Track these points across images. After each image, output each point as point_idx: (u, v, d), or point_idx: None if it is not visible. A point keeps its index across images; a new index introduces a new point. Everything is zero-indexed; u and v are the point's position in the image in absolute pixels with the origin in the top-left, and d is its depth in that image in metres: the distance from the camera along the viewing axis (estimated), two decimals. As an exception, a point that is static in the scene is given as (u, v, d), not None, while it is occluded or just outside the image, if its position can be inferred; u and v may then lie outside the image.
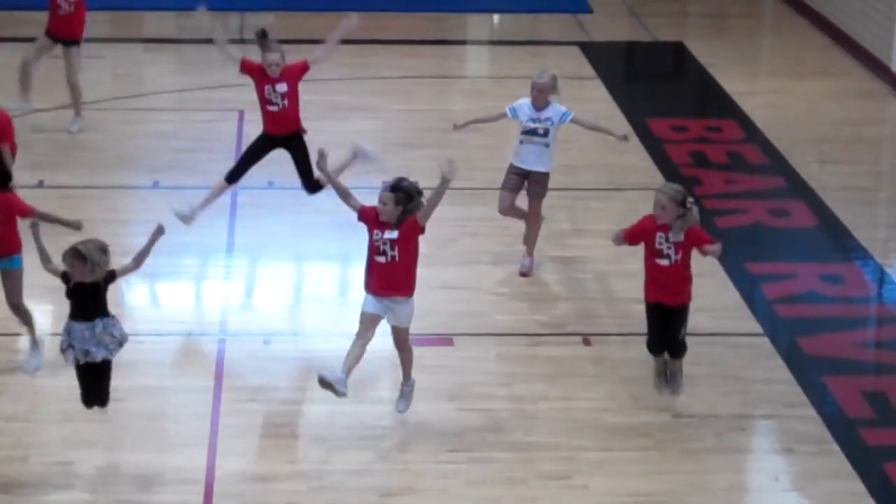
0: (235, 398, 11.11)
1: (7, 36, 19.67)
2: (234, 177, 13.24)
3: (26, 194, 14.04)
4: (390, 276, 10.34)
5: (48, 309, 12.14)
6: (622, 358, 11.73)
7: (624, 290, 12.78)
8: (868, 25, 19.97)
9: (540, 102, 12.84)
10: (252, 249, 13.40)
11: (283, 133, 13.10)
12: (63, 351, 9.91)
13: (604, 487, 10.04)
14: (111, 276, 9.92)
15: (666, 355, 10.85)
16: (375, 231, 10.31)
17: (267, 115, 13.07)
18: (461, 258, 13.56)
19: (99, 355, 9.84)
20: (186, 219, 13.17)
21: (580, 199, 14.93)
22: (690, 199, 10.55)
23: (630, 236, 10.77)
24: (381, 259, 10.31)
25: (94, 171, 15.47)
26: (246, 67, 13.09)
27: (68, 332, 9.87)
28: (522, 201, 13.21)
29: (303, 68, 13.09)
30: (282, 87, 12.92)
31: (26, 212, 10.97)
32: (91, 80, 17.95)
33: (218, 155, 15.92)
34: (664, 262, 10.55)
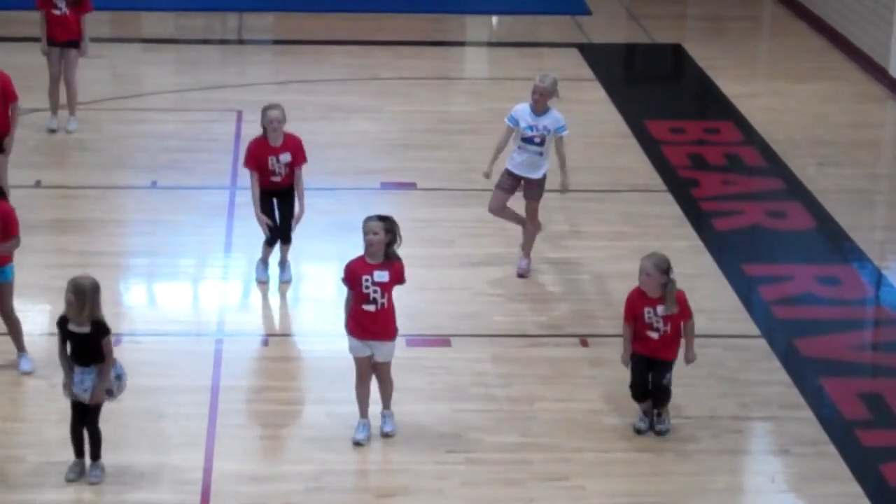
0: (233, 398, 11.11)
1: (6, 36, 19.66)
2: (272, 239, 13.00)
3: (24, 194, 14.11)
4: (377, 324, 10.33)
5: (44, 308, 12.16)
6: (619, 359, 11.72)
7: (621, 291, 12.70)
8: (866, 28, 19.99)
9: (540, 107, 12.84)
10: (250, 250, 13.39)
11: (279, 188, 12.88)
12: (63, 386, 9.88)
13: (601, 488, 10.05)
14: (104, 330, 9.74)
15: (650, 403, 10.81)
16: (364, 277, 10.24)
17: (267, 182, 12.81)
18: (459, 259, 13.56)
19: (84, 398, 9.78)
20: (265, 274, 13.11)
21: (578, 201, 14.93)
22: (672, 272, 10.51)
23: (627, 319, 10.64)
24: (371, 308, 10.27)
25: (91, 171, 15.47)
26: (250, 162, 12.85)
27: (70, 369, 9.80)
28: (518, 204, 13.21)
29: (298, 157, 12.80)
30: (285, 158, 12.72)
31: (13, 229, 11.01)
32: (90, 79, 17.96)
33: (216, 155, 15.94)
34: (654, 335, 10.52)
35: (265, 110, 12.66)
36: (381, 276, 10.23)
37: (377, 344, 10.41)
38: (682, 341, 10.65)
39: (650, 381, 10.63)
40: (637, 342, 10.63)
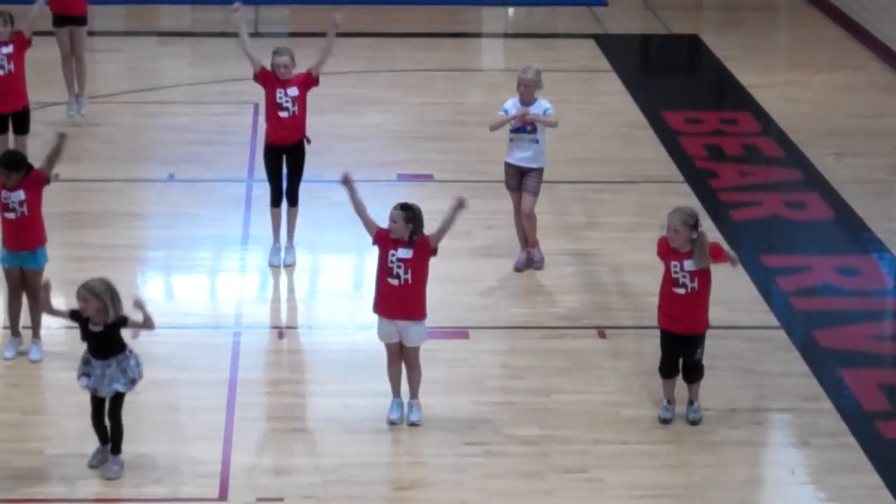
0: (250, 391, 11.12)
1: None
2: (275, 199, 13.12)
3: (42, 187, 14.09)
4: (403, 300, 10.36)
5: (63, 302, 12.15)
6: (637, 351, 11.71)
7: (639, 282, 12.76)
8: (883, 18, 19.91)
9: (527, 98, 12.87)
10: (267, 242, 13.38)
11: (289, 142, 12.96)
12: (78, 377, 9.88)
13: (620, 481, 10.03)
14: (122, 322, 9.78)
15: (681, 378, 10.77)
16: (390, 251, 10.31)
17: (277, 123, 12.89)
18: (476, 251, 13.54)
19: (110, 391, 9.79)
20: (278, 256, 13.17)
21: (595, 192, 14.91)
22: (701, 225, 10.42)
23: (658, 252, 10.59)
24: (394, 282, 10.31)
25: (109, 165, 15.48)
26: (261, 76, 12.98)
27: (86, 361, 9.83)
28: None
29: (308, 78, 12.95)
30: (293, 92, 12.83)
31: (43, 180, 11.24)
32: (106, 73, 17.99)
33: (233, 148, 15.94)
34: (681, 291, 10.42)
35: (274, 55, 12.82)
36: (405, 252, 10.26)
37: (403, 325, 10.40)
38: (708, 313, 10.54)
39: (682, 359, 10.54)
40: (664, 309, 10.50)
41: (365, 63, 19.20)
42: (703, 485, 10.04)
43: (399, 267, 10.29)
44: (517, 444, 10.44)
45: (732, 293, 12.67)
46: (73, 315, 9.83)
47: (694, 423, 10.66)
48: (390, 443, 10.45)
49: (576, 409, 10.91)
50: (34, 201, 11.18)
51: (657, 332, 10.93)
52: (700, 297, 10.44)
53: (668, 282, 10.44)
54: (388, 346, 10.54)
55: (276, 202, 13.14)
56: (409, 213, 10.29)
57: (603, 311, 12.49)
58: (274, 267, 13.11)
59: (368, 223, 10.49)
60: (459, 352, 11.73)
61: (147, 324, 9.81)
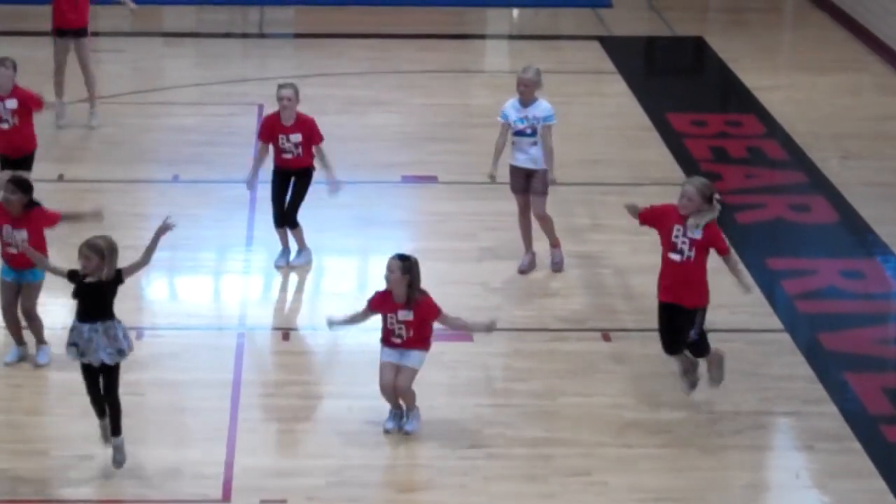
0: (254, 392, 11.12)
1: (11, 30, 19.68)
2: (279, 220, 13.10)
3: (46, 188, 14.10)
4: (407, 344, 10.40)
5: (66, 303, 12.12)
6: (642, 354, 11.69)
7: (643, 285, 12.72)
8: (888, 20, 19.89)
9: (527, 98, 12.85)
10: (271, 244, 13.38)
11: (296, 168, 12.97)
12: (67, 346, 9.89)
13: (623, 484, 10.02)
14: (118, 278, 9.81)
15: (688, 354, 10.75)
16: (389, 316, 10.32)
17: (280, 161, 12.91)
18: (480, 253, 13.54)
19: (96, 359, 9.74)
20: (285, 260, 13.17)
21: (599, 194, 14.90)
22: (717, 197, 10.42)
23: (644, 216, 10.60)
24: (397, 340, 10.37)
25: (113, 165, 15.48)
26: (263, 136, 12.95)
27: (73, 329, 9.85)
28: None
29: (312, 134, 12.87)
30: (296, 138, 12.79)
31: (54, 220, 11.12)
32: (111, 73, 17.99)
33: (237, 149, 15.93)
34: (676, 258, 10.41)
35: (278, 88, 12.79)
36: (406, 315, 10.29)
37: (405, 351, 10.43)
38: (708, 290, 10.53)
39: (673, 334, 10.50)
40: (660, 277, 10.47)
41: (369, 64, 19.19)
42: (706, 488, 10.03)
43: (401, 328, 10.32)
44: (520, 446, 10.43)
45: (736, 296, 12.60)
46: (71, 275, 9.80)
47: (714, 381, 10.64)
48: (394, 445, 10.44)
49: (579, 412, 10.90)
50: (37, 237, 11.05)
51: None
52: (694, 269, 10.36)
53: (666, 247, 10.40)
54: (384, 367, 10.47)
55: (278, 223, 13.10)
56: (407, 264, 10.26)
57: (607, 314, 12.48)
58: (279, 268, 13.09)
59: (363, 317, 10.52)
60: (463, 354, 11.72)
61: (146, 252, 9.95)
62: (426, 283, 10.53)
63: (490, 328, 10.51)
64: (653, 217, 10.61)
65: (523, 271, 13.17)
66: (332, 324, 10.71)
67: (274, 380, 11.45)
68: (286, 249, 13.18)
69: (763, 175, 15.82)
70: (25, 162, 13.71)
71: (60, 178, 15.05)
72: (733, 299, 12.47)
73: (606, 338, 12.07)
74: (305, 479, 10.01)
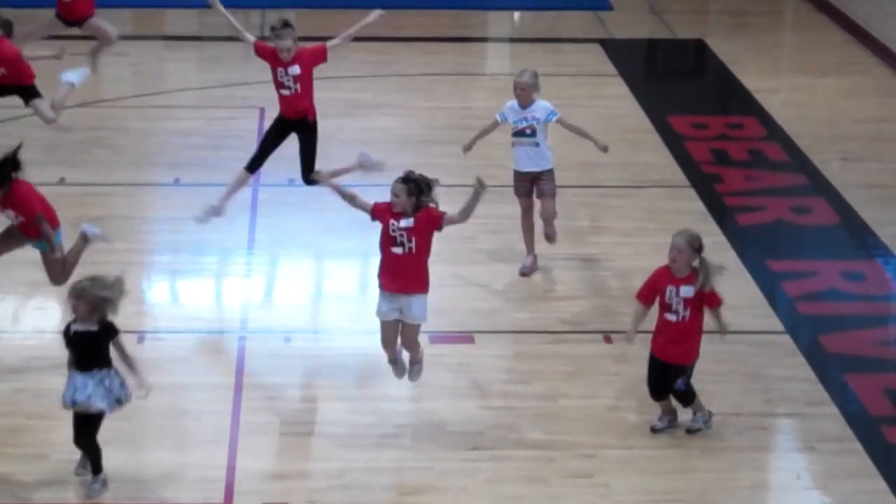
0: (256, 396, 11.12)
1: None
2: (254, 165, 13.23)
3: (48, 191, 14.08)
4: (406, 270, 10.29)
5: (67, 306, 12.16)
6: (643, 355, 11.63)
7: (645, 287, 12.74)
8: (889, 22, 19.89)
9: (524, 101, 12.87)
10: (273, 247, 13.40)
11: (296, 118, 13.09)
12: (62, 396, 9.61)
13: (626, 486, 10.02)
14: (112, 330, 9.49)
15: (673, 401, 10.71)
16: (391, 221, 10.25)
17: (280, 99, 13.11)
18: (482, 255, 13.55)
19: (93, 407, 9.49)
20: (216, 210, 13.17)
21: (600, 197, 14.91)
22: (701, 242, 10.34)
23: (642, 296, 10.51)
24: (398, 250, 10.24)
25: (115, 169, 15.48)
26: (259, 51, 13.13)
27: (69, 378, 9.55)
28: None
29: (318, 52, 13.06)
30: (294, 70, 12.90)
31: (29, 211, 11.04)
32: (113, 77, 17.99)
33: (239, 152, 15.87)
34: (672, 318, 10.34)
35: (274, 37, 12.83)
36: (407, 222, 10.22)
37: (405, 300, 10.33)
38: (698, 345, 10.51)
39: (663, 384, 10.51)
40: (655, 333, 10.48)
41: (371, 67, 19.21)
42: (708, 490, 10.04)
43: (402, 235, 10.23)
44: (523, 449, 10.44)
45: (737, 298, 12.66)
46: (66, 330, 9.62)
47: (690, 431, 10.60)
48: (396, 448, 10.44)
49: (581, 414, 10.91)
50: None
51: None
52: (689, 329, 10.33)
53: (662, 307, 10.41)
54: (384, 326, 10.42)
55: (250, 167, 13.12)
56: (411, 186, 10.22)
57: (608, 316, 12.49)
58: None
59: (363, 207, 10.43)
60: (464, 356, 11.73)
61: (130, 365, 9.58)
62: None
63: (481, 184, 10.27)
64: (651, 291, 10.48)
65: (525, 274, 13.18)
66: (318, 178, 10.66)
67: (275, 383, 11.46)
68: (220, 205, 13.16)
69: (764, 177, 15.83)
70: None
71: (62, 181, 15.06)
72: (734, 301, 12.49)
73: (608, 340, 12.08)
74: (307, 482, 10.01)
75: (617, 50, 20.34)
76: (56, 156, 15.68)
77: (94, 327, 9.46)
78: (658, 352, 10.47)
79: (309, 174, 12.97)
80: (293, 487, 9.94)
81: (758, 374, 11.54)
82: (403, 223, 10.23)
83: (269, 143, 13.24)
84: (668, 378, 10.44)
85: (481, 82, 19.27)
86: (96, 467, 9.79)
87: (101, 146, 16.16)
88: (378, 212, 10.36)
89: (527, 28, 22.51)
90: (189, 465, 10.12)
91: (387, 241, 10.29)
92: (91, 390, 9.48)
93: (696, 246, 10.28)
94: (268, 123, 15.99)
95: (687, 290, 10.27)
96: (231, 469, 10.10)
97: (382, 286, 10.39)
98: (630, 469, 10.22)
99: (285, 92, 12.98)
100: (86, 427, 9.63)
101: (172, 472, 10.02)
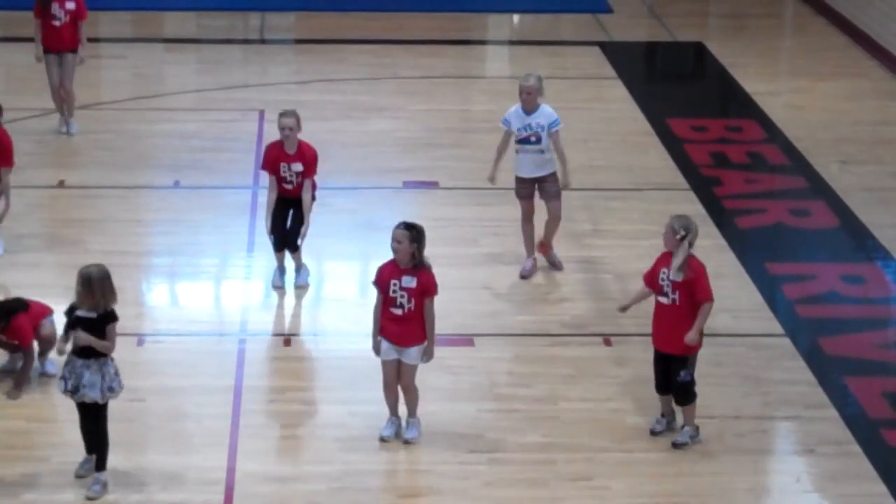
0: (256, 398, 11.12)
1: (12, 36, 19.69)
2: (279, 245, 12.94)
3: (47, 194, 14.16)
4: (407, 329, 10.31)
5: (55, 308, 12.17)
6: (643, 358, 11.67)
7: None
8: (888, 26, 19.91)
9: (529, 105, 12.82)
10: (272, 250, 13.37)
11: (296, 196, 12.85)
12: (60, 378, 9.76)
13: (625, 488, 10.02)
14: (111, 317, 9.61)
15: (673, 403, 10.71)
16: (393, 281, 10.25)
17: (282, 190, 12.80)
18: (482, 258, 13.55)
19: (88, 397, 9.61)
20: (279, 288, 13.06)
21: (600, 200, 14.92)
22: (683, 234, 10.21)
23: (644, 277, 10.55)
24: (398, 312, 10.28)
25: (114, 171, 15.48)
26: (267, 164, 12.78)
27: (67, 363, 9.71)
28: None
29: (309, 170, 12.71)
30: (297, 167, 12.65)
31: (24, 340, 11.02)
32: (112, 79, 18.00)
33: (238, 155, 15.95)
34: (664, 301, 10.34)
35: (279, 116, 12.60)
36: (409, 281, 10.22)
37: (403, 349, 10.41)
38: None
39: (668, 376, 10.50)
40: (653, 322, 10.46)
41: (370, 70, 19.21)
42: (707, 493, 10.03)
43: (403, 297, 10.25)
44: (522, 451, 10.44)
45: (737, 301, 12.68)
46: (69, 311, 9.70)
47: (676, 446, 10.52)
48: (395, 451, 10.44)
49: (581, 417, 10.91)
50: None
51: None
52: (681, 313, 10.30)
53: (657, 289, 10.39)
54: (385, 366, 10.47)
55: (277, 247, 12.95)
56: (413, 233, 10.23)
57: (608, 319, 12.49)
58: (278, 288, 12.92)
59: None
60: (464, 359, 11.73)
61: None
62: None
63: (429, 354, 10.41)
64: (651, 273, 10.50)
65: (525, 276, 13.18)
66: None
67: (275, 386, 11.46)
68: (283, 269, 13.01)
69: (763, 180, 15.83)
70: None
71: (61, 184, 15.06)
72: (734, 304, 12.52)
73: (608, 342, 12.08)
74: (307, 484, 10.01)
75: (616, 53, 20.35)
76: (55, 158, 15.68)
77: (94, 314, 9.57)
78: (656, 342, 10.49)
79: (296, 238, 12.76)
80: (293, 490, 9.94)
81: (757, 377, 11.54)
82: (405, 282, 10.24)
83: (280, 220, 12.92)
84: (670, 369, 10.43)
85: (480, 85, 19.27)
86: (101, 462, 9.81)
87: (101, 148, 16.15)
88: (379, 276, 10.34)
89: (526, 31, 22.52)
90: (189, 467, 10.12)
91: (387, 302, 10.30)
92: (86, 380, 9.58)
93: (676, 229, 10.25)
94: (267, 126, 16.09)
95: (672, 272, 10.28)
96: (231, 471, 10.10)
97: (383, 331, 10.41)
98: (630, 472, 10.22)
99: (288, 186, 12.69)
100: (90, 413, 9.73)
101: (172, 475, 10.02)
